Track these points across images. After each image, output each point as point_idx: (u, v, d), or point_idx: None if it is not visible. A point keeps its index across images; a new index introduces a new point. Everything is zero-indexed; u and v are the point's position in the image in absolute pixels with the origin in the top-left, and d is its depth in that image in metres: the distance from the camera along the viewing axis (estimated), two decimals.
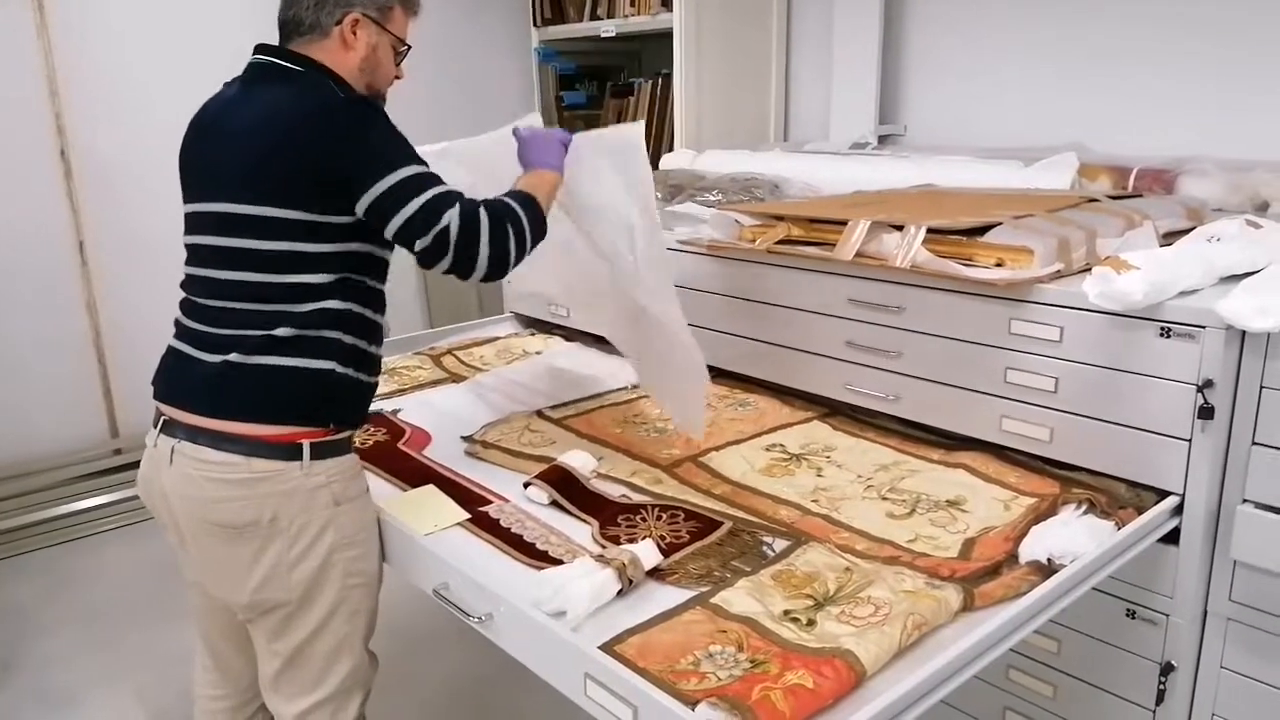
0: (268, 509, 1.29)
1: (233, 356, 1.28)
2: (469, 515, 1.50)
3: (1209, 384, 1.34)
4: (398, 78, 1.48)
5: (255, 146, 1.28)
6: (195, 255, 1.36)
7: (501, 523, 1.48)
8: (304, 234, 1.27)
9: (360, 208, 1.26)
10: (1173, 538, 1.42)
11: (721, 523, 1.45)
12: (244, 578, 1.33)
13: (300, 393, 1.30)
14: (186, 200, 1.38)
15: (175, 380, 1.36)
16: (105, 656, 2.41)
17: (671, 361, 1.67)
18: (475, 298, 3.59)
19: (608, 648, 1.13)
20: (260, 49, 1.39)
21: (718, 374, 2.12)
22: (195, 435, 1.30)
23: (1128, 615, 1.50)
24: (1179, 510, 1.42)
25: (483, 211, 1.28)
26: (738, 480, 1.61)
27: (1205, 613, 1.45)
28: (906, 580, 1.24)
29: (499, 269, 1.31)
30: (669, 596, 1.26)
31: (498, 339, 2.46)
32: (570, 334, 2.46)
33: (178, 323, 1.38)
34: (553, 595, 1.20)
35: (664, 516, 1.48)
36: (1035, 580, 1.24)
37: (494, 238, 1.28)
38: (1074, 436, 1.51)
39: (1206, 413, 1.34)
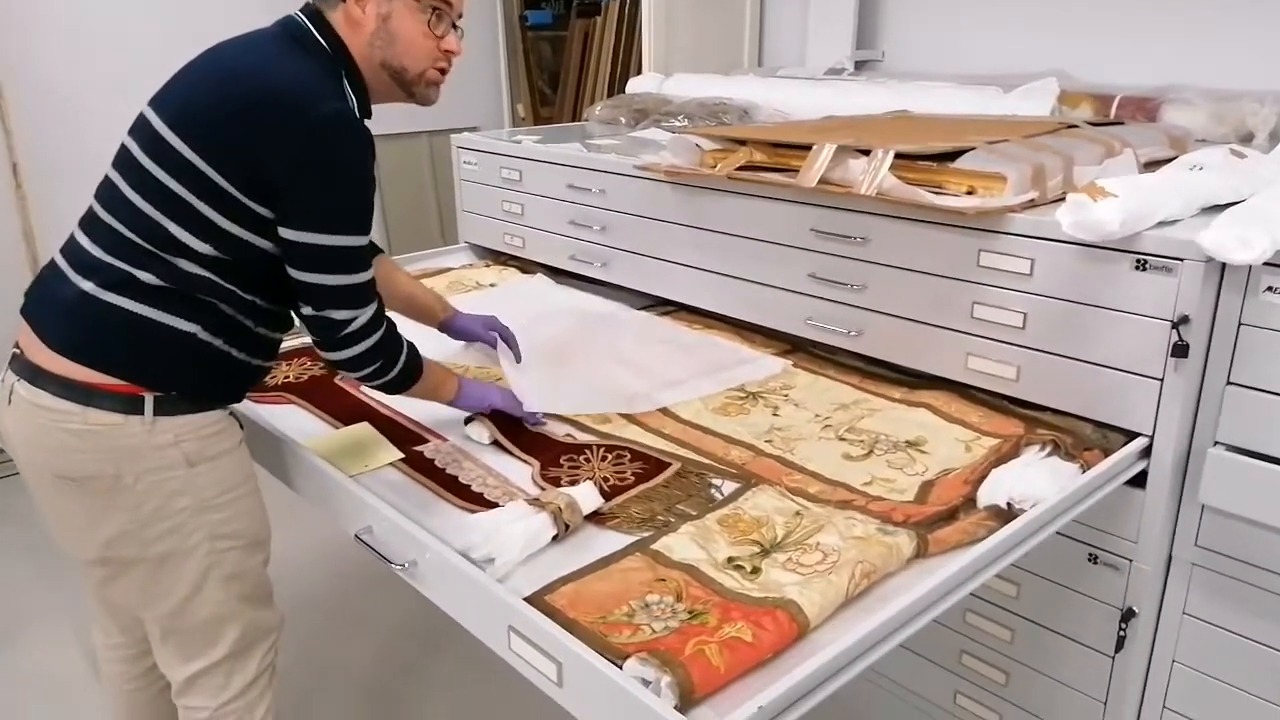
0: (109, 464, 1.16)
1: (89, 285, 1.15)
2: (402, 455, 1.41)
3: (1184, 320, 1.26)
4: (449, 53, 1.27)
5: (222, 95, 1.14)
6: (118, 158, 1.21)
7: (437, 463, 1.40)
8: (217, 200, 1.14)
9: (280, 229, 1.16)
10: (1139, 481, 1.36)
11: (669, 464, 1.37)
12: (88, 533, 1.21)
13: (153, 349, 1.16)
14: (150, 101, 1.22)
15: (39, 298, 1.22)
16: (43, 594, 2.33)
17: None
18: (438, 225, 3.46)
19: (537, 598, 1.06)
20: (307, 7, 1.24)
21: (679, 307, 2.03)
22: (35, 376, 1.17)
23: (1089, 560, 1.44)
24: (1147, 452, 1.35)
25: (386, 324, 1.25)
26: (690, 420, 1.54)
27: (1170, 558, 1.40)
28: (858, 526, 1.17)
29: (352, 368, 1.25)
30: (608, 542, 1.18)
31: (450, 270, 2.35)
32: (526, 265, 2.35)
33: (70, 234, 1.24)
34: (483, 541, 1.13)
35: (609, 457, 1.40)
36: (993, 525, 1.18)
37: (378, 349, 1.24)
38: (1041, 375, 1.43)
39: (1180, 350, 1.27)
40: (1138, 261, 1.29)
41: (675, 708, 0.88)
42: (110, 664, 1.46)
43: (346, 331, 1.19)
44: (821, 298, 1.69)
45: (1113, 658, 1.46)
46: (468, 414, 1.48)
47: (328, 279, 1.16)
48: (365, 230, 1.18)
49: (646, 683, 0.91)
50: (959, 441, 1.44)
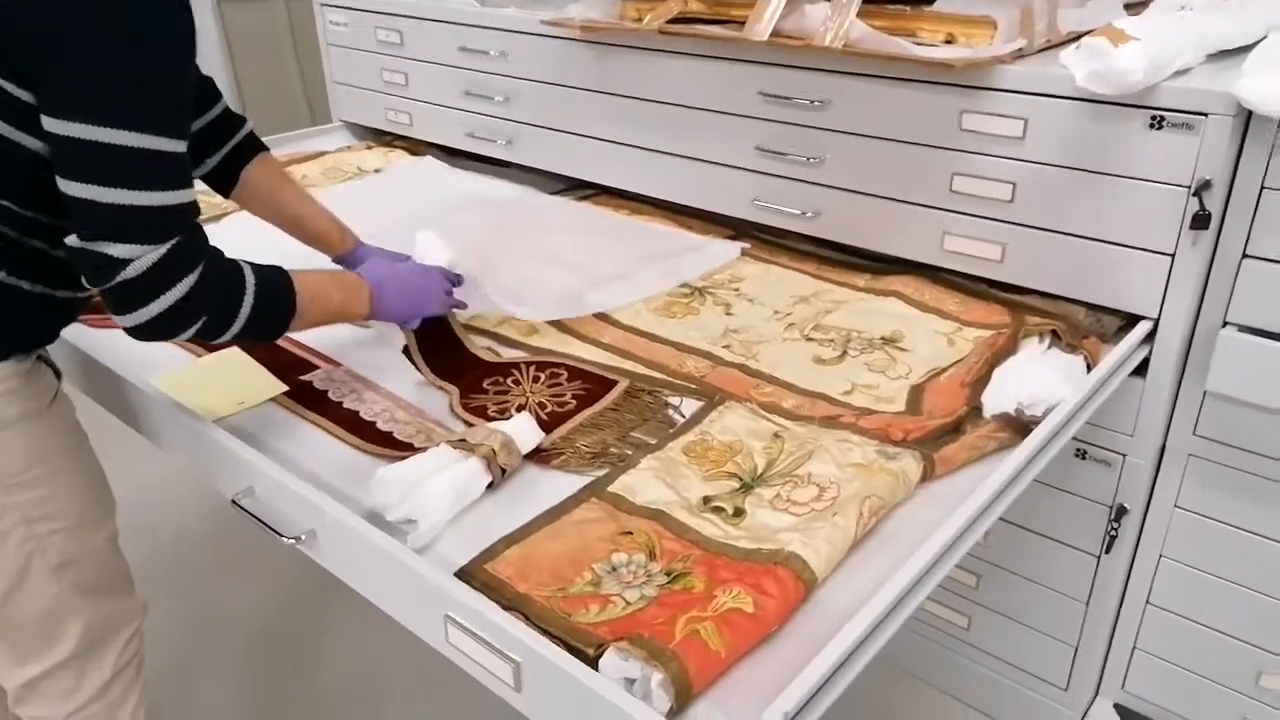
0: None
1: None
2: (285, 388, 1.15)
3: (1206, 186, 1.09)
4: None
5: None
6: None
7: (330, 395, 1.14)
8: None
9: (43, 120, 0.81)
10: (1139, 369, 1.22)
11: (614, 380, 1.15)
12: None
13: None
14: None
15: None
16: None
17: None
18: (304, 102, 3.03)
19: (476, 568, 0.85)
20: None
21: (600, 191, 1.78)
22: None
23: (1078, 456, 1.31)
24: (1149, 338, 1.20)
25: (203, 265, 0.86)
26: (631, 325, 1.31)
27: (1163, 449, 1.28)
28: (854, 449, 0.98)
29: (156, 334, 0.87)
30: (555, 486, 0.97)
31: (325, 154, 2.01)
32: (414, 145, 2.03)
33: None
34: (400, 500, 0.90)
35: (542, 377, 1.17)
36: (1004, 438, 1.01)
37: (192, 304, 0.86)
38: (1030, 255, 1.26)
39: (1200, 221, 1.10)
40: (1153, 118, 1.11)
41: (670, 710, 0.70)
42: None
43: (125, 277, 0.81)
44: (771, 174, 1.46)
45: (1098, 558, 1.35)
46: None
47: (102, 194, 0.80)
48: (168, 127, 0.82)
49: (631, 681, 0.72)
50: (938, 334, 1.26)
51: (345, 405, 1.12)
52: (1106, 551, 1.33)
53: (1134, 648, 1.40)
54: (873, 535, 0.90)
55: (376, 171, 1.93)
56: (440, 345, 1.21)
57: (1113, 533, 1.31)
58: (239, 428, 1.06)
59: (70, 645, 1.03)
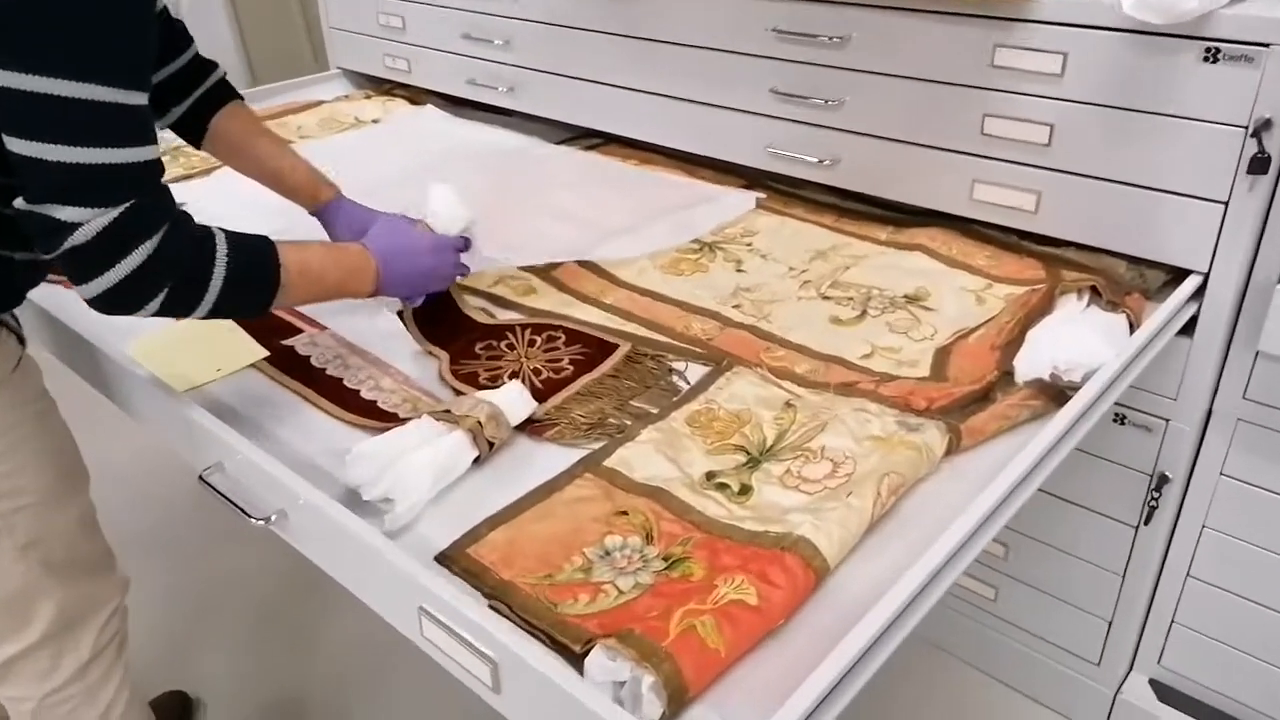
0: None
1: None
2: (267, 353, 1.08)
3: (1266, 125, 0.98)
4: None
5: None
6: None
7: (314, 361, 1.08)
8: None
9: None
10: (1186, 328, 1.12)
11: (615, 345, 1.07)
12: None
13: None
14: None
15: None
16: None
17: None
18: (309, 47, 2.92)
19: (458, 552, 0.78)
20: None
21: (608, 140, 1.68)
22: None
23: (1116, 420, 1.22)
24: (1197, 293, 1.11)
25: (165, 229, 0.78)
26: (634, 283, 1.23)
27: (1209, 413, 1.19)
28: (872, 420, 0.90)
29: (115, 306, 0.79)
30: (547, 460, 0.90)
31: (322, 104, 1.93)
32: (415, 94, 1.94)
33: None
34: (376, 477, 0.83)
35: (539, 340, 1.09)
36: (1038, 406, 0.93)
37: (151, 272, 0.78)
38: (1068, 204, 1.16)
39: (1259, 165, 0.99)
40: (1208, 50, 1.00)
41: (662, 717, 0.63)
42: None
43: (74, 243, 0.74)
44: (787, 119, 1.36)
45: (1136, 528, 1.26)
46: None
47: (47, 151, 0.72)
48: (119, 77, 0.73)
49: (621, 683, 0.65)
50: (967, 291, 1.17)
51: (329, 372, 1.05)
52: (1145, 522, 1.25)
53: (1172, 622, 1.32)
54: (890, 515, 0.82)
55: (375, 122, 1.84)
56: (433, 308, 1.14)
57: (1153, 502, 1.23)
58: (215, 398, 1.00)
59: (43, 626, 0.98)
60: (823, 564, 0.74)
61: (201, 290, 0.82)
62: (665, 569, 0.76)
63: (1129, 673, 1.40)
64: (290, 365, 1.07)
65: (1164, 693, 1.38)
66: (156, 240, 0.77)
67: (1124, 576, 1.31)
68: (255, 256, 0.86)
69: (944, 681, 1.54)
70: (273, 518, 0.83)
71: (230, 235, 0.85)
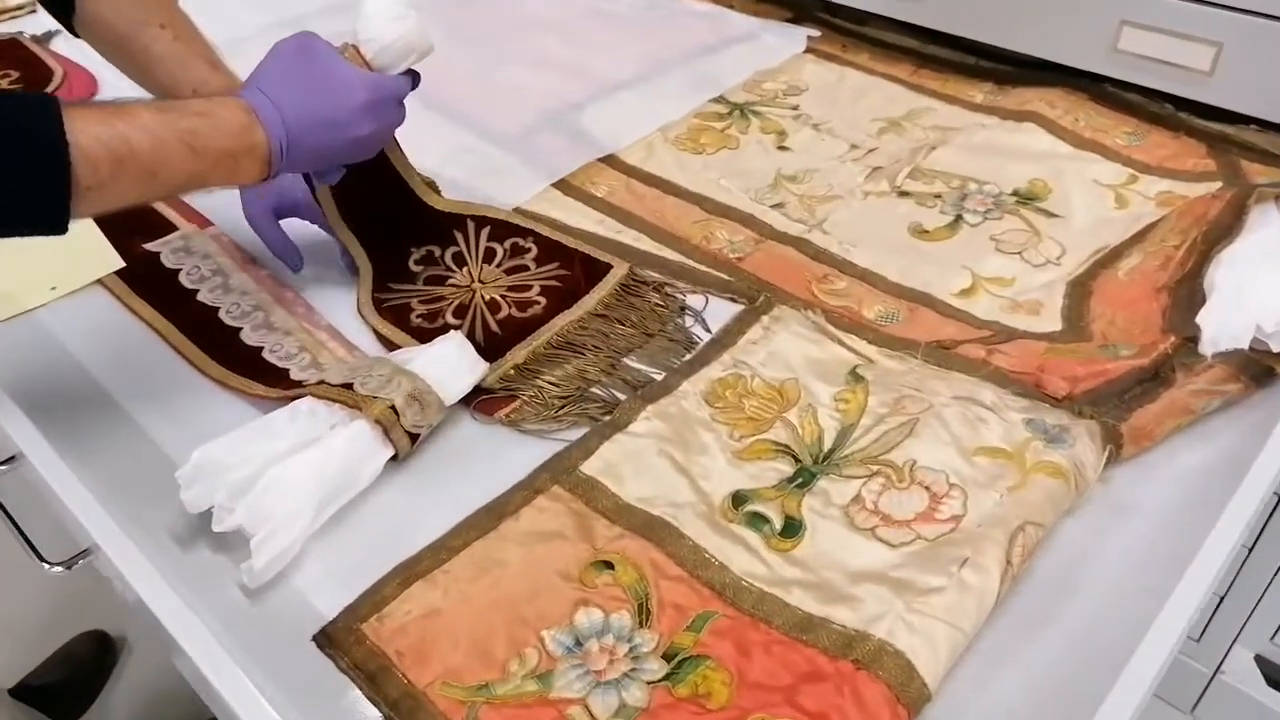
0: None
1: None
2: (124, 263, 0.77)
3: None
4: None
5: None
6: None
7: (183, 279, 0.77)
8: None
9: None
10: None
11: (607, 265, 0.75)
12: None
13: None
14: None
15: None
16: None
17: None
18: None
19: (349, 628, 0.51)
20: None
21: None
22: None
23: None
24: None
25: None
26: (635, 164, 0.89)
27: None
28: (988, 417, 0.59)
29: None
30: (499, 454, 0.61)
31: None
32: None
33: None
34: (228, 499, 0.54)
35: (500, 252, 0.77)
36: (1233, 391, 0.62)
37: None
38: (1259, 61, 0.80)
39: None
40: None
41: None
42: None
43: None
44: None
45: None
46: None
47: None
48: None
49: None
50: (1103, 187, 0.83)
51: (200, 297, 0.75)
52: None
53: None
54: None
55: None
56: (363, 176, 0.78)
57: None
58: (43, 333, 0.70)
59: None
60: (920, 691, 0.46)
61: None
62: (666, 677, 0.48)
63: (1231, 647, 1.16)
64: (151, 284, 0.76)
65: (1270, 669, 1.14)
66: None
67: (1251, 550, 1.04)
68: (13, 134, 0.52)
69: None
70: (79, 563, 0.55)
71: None
